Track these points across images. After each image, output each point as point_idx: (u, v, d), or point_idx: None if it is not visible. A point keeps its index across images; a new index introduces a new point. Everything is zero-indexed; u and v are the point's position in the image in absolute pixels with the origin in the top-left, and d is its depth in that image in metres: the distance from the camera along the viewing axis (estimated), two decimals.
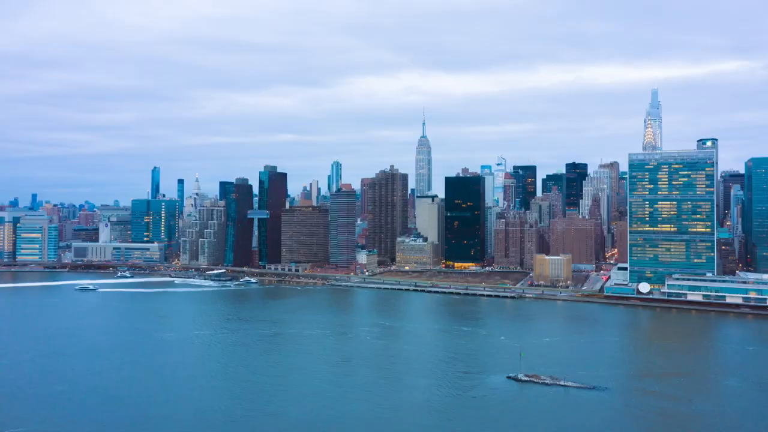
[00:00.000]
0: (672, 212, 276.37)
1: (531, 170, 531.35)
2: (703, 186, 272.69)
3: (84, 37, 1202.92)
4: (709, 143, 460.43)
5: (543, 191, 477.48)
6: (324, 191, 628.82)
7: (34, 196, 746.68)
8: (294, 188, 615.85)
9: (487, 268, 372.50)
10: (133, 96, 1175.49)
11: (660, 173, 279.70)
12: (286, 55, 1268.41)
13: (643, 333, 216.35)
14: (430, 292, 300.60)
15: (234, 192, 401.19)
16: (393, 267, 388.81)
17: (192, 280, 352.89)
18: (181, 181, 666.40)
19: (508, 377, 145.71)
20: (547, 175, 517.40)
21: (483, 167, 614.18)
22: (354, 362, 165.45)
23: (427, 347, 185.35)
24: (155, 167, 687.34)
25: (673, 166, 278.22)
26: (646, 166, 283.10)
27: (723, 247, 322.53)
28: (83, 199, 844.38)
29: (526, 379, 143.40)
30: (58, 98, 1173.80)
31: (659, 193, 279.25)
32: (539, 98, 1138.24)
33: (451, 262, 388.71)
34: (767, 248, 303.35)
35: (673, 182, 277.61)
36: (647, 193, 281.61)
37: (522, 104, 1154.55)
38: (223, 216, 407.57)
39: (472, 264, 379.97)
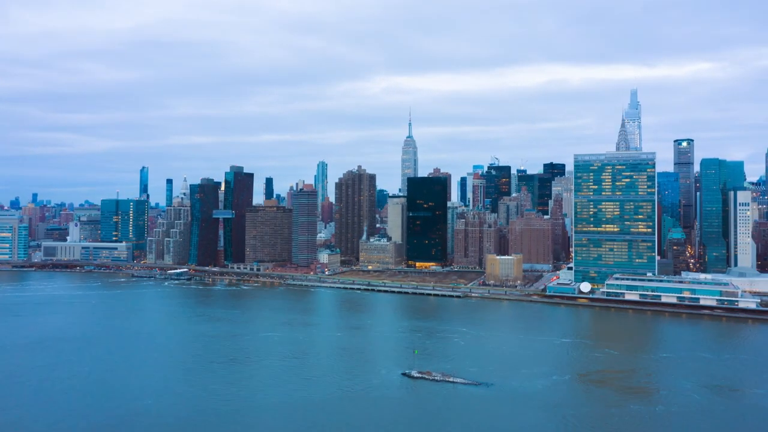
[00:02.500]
0: (615, 213, 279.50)
1: (505, 170, 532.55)
2: (645, 187, 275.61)
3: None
4: (684, 144, 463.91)
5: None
6: None
7: (34, 195, 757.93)
8: (284, 188, 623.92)
9: (446, 268, 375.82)
10: (101, 96, 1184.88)
11: (604, 174, 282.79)
12: (262, 56, 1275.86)
13: (566, 332, 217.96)
14: (381, 291, 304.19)
15: (198, 192, 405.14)
16: (356, 267, 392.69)
17: (141, 279, 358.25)
18: (169, 181, 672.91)
19: (403, 374, 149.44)
20: (519, 176, 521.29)
21: (475, 167, 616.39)
22: (244, 360, 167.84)
23: (342, 344, 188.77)
24: (144, 167, 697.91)
25: (616, 167, 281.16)
26: (590, 167, 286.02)
27: (675, 247, 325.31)
28: (83, 198, 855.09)
29: (418, 375, 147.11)
30: (29, 98, 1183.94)
31: (603, 194, 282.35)
32: (518, 99, 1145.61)
33: (413, 262, 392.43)
34: (716, 248, 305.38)
35: (617, 183, 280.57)
36: (591, 193, 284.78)
37: (500, 105, 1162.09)
38: (189, 216, 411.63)
39: (434, 263, 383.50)
